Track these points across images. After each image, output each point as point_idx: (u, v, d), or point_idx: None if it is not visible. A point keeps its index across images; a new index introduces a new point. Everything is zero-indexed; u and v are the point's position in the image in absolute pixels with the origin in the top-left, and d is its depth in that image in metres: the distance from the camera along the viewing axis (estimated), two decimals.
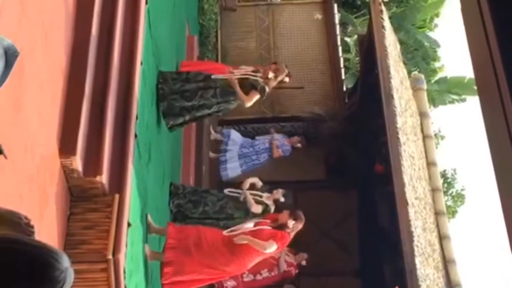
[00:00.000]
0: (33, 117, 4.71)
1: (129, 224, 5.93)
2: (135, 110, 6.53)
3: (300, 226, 7.73)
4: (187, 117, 8.88)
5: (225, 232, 7.65)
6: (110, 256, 5.46)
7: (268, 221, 7.78)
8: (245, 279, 10.98)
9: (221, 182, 12.06)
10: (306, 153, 13.20)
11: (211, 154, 12.29)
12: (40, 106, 4.85)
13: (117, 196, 5.85)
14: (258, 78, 8.81)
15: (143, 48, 7.19)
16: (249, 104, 8.79)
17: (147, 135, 7.60)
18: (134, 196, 6.51)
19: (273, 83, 8.99)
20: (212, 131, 12.33)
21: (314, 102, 14.55)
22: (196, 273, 7.61)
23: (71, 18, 5.72)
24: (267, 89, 8.82)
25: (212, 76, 8.86)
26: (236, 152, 12.06)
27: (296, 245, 11.76)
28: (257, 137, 12.52)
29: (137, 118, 6.59)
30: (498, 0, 2.00)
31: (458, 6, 2.39)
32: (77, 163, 5.35)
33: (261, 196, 9.01)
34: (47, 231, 5.04)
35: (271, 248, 7.45)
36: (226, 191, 9.12)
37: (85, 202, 5.75)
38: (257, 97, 8.79)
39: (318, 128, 13.43)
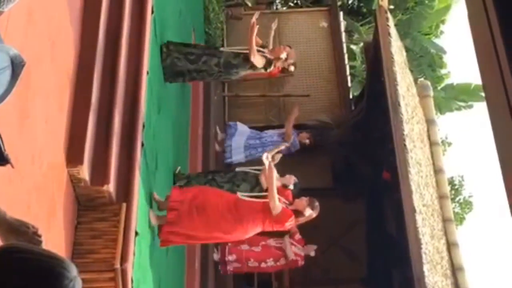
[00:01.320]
0: (40, 127, 4.72)
1: (136, 233, 5.93)
2: (141, 118, 6.54)
3: (314, 215, 7.62)
4: (186, 78, 8.99)
5: (239, 195, 7.53)
6: (117, 265, 5.46)
7: (282, 198, 7.57)
8: (250, 265, 10.99)
9: None
10: (312, 161, 13.19)
11: (218, 147, 12.22)
12: (47, 115, 4.86)
13: (124, 205, 5.85)
14: (266, 55, 8.84)
15: (149, 57, 7.21)
16: (253, 56, 8.66)
17: (154, 143, 7.61)
18: (141, 205, 6.51)
19: (280, 64, 8.98)
20: (218, 131, 12.32)
21: (321, 110, 14.54)
22: (196, 237, 7.54)
23: (78, 28, 5.74)
24: (273, 66, 8.83)
25: (221, 48, 8.95)
26: (242, 142, 11.99)
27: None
28: (266, 131, 12.43)
29: (143, 126, 6.60)
30: (505, 6, 2.00)
31: (464, 12, 2.39)
32: (84, 172, 5.35)
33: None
34: (55, 240, 5.05)
35: (277, 208, 7.19)
36: (237, 169, 9.04)
37: (93, 211, 5.75)
38: (263, 61, 8.77)
39: (325, 136, 13.41)
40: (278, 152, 8.56)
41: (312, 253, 11.42)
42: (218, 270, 11.07)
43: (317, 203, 7.61)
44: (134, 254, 5.78)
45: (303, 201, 7.55)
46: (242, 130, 12.16)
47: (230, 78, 9.23)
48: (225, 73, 8.89)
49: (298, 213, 7.48)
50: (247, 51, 8.75)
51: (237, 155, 11.83)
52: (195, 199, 7.43)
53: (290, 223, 7.47)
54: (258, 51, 8.80)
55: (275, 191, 7.24)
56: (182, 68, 8.77)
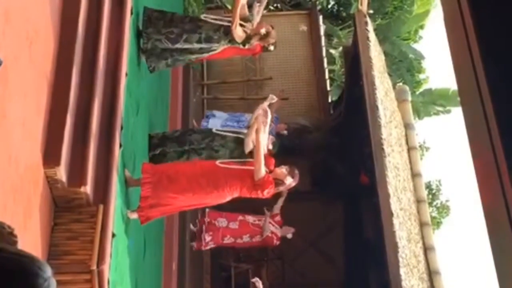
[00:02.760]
0: (17, 127, 4.69)
1: (113, 235, 5.91)
2: (120, 120, 6.52)
3: (293, 184, 7.55)
4: (169, 60, 8.79)
5: (218, 162, 7.40)
6: (94, 267, 5.43)
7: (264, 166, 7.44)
8: (225, 241, 10.98)
9: None
10: (291, 164, 13.19)
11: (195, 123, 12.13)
12: (24, 116, 4.83)
13: (101, 206, 5.83)
14: (246, 30, 8.73)
15: (128, 58, 7.18)
16: (234, 26, 8.47)
17: (132, 145, 7.59)
18: (118, 207, 6.49)
19: (258, 40, 8.85)
20: (195, 124, 12.24)
21: (299, 113, 14.59)
22: (172, 205, 7.38)
23: (56, 28, 5.72)
24: (249, 43, 8.74)
25: (202, 16, 8.85)
26: (218, 124, 11.92)
27: (281, 256, 11.78)
28: (246, 114, 12.32)
29: (121, 128, 6.57)
30: (480, 12, 2.02)
31: (442, 18, 2.41)
32: (61, 173, 5.33)
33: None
34: (31, 241, 5.01)
35: (260, 174, 7.12)
36: (214, 129, 8.91)
37: (69, 213, 5.72)
38: (243, 34, 8.67)
39: (304, 139, 13.45)
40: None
41: (289, 235, 11.38)
42: (194, 273, 11.05)
43: (297, 171, 7.52)
44: (111, 256, 5.75)
45: (283, 169, 7.45)
46: (220, 116, 12.11)
47: (211, 53, 9.00)
48: (206, 49, 8.75)
49: (278, 182, 7.45)
50: (228, 24, 8.68)
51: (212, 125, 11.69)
52: (168, 170, 7.35)
53: (269, 191, 7.34)
54: (240, 25, 8.69)
55: (262, 155, 7.18)
56: (164, 51, 8.67)
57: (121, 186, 6.78)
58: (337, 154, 13.38)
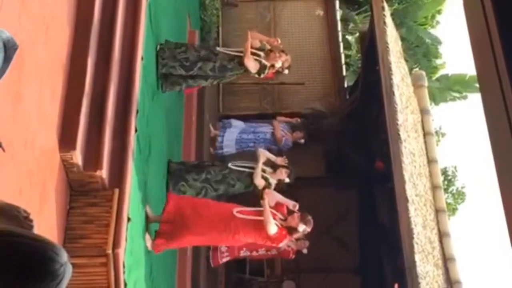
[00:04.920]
0: (33, 111, 4.70)
1: (129, 219, 5.93)
2: (135, 104, 6.52)
3: (308, 230, 7.76)
4: (183, 86, 9.05)
5: (235, 211, 7.61)
6: (109, 251, 5.46)
7: (278, 214, 7.71)
8: (242, 254, 11.04)
9: None
10: (306, 149, 13.18)
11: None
12: (40, 100, 4.84)
13: (117, 190, 5.85)
14: (261, 59, 8.79)
15: (144, 42, 7.18)
16: (247, 59, 8.72)
17: (148, 129, 7.60)
18: (134, 191, 6.50)
19: (274, 71, 8.98)
20: (212, 129, 12.23)
21: (315, 98, 14.52)
22: (188, 243, 7.93)
23: (72, 12, 5.71)
24: (264, 73, 8.82)
25: (217, 48, 8.98)
26: (234, 136, 11.89)
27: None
28: (262, 125, 12.26)
29: (137, 112, 6.58)
30: None
31: (460, 2, 2.38)
32: (77, 157, 5.34)
33: (265, 171, 8.94)
34: (47, 225, 5.04)
35: (271, 229, 7.38)
36: (230, 164, 9.07)
37: (85, 197, 5.75)
38: (257, 67, 8.78)
39: (319, 125, 13.40)
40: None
41: (305, 251, 11.40)
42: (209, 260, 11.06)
43: (309, 217, 7.75)
44: (126, 240, 5.77)
45: (295, 217, 7.70)
46: (236, 125, 12.07)
47: (224, 80, 9.27)
48: (220, 77, 8.91)
49: (292, 229, 7.58)
50: (242, 55, 8.77)
51: (227, 148, 11.78)
52: (189, 211, 7.63)
53: (284, 243, 7.83)
54: (254, 54, 8.80)
55: (270, 216, 7.43)
56: (178, 78, 8.78)
57: (137, 170, 6.79)
58: (352, 139, 13.31)
